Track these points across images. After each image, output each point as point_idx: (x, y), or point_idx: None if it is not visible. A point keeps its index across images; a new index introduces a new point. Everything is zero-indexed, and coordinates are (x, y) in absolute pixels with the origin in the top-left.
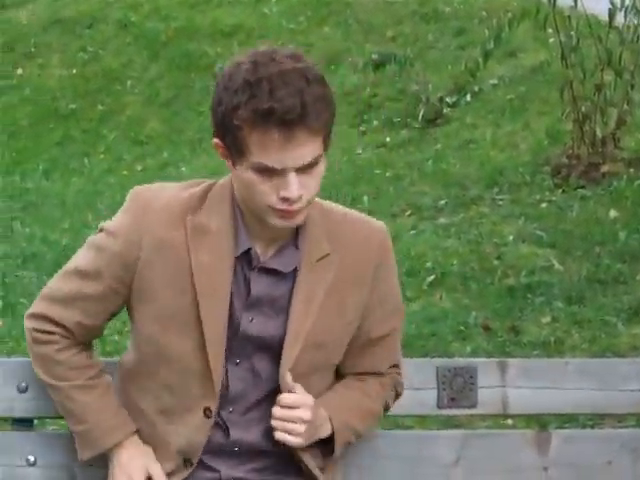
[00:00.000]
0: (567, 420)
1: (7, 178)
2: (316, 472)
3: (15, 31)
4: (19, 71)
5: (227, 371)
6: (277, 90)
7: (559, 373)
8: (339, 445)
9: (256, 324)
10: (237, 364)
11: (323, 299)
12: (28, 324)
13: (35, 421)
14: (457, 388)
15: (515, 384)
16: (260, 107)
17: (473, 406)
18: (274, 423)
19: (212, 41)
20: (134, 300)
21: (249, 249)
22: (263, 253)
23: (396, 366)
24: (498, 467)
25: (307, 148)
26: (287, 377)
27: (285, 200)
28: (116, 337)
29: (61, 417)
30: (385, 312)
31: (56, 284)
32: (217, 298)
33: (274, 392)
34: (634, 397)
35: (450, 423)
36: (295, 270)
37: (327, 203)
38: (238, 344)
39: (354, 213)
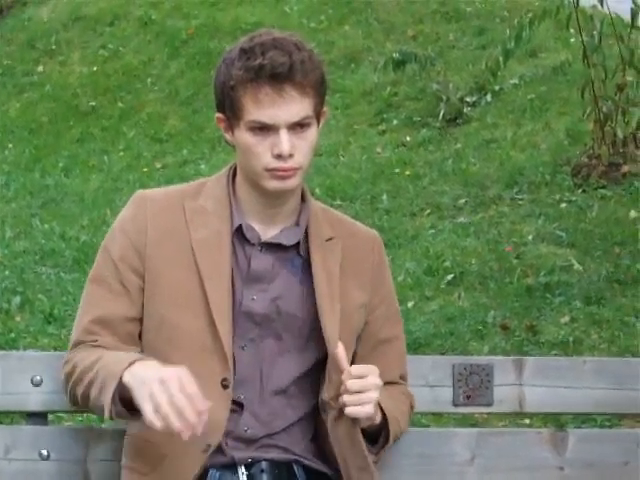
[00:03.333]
0: (585, 420)
1: (27, 175)
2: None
3: (36, 28)
4: (40, 68)
5: (234, 355)
6: (269, 52)
7: (576, 372)
8: (392, 432)
9: (258, 302)
10: (243, 348)
11: (339, 275)
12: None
13: (50, 416)
14: (473, 386)
15: (531, 383)
16: (252, 64)
17: (489, 404)
18: (347, 399)
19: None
20: (147, 288)
21: (242, 225)
22: (264, 233)
23: (404, 379)
24: (513, 465)
25: (296, 105)
26: (340, 347)
27: (278, 157)
28: None
29: (75, 412)
30: (389, 313)
31: (77, 320)
32: (219, 274)
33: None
34: None
35: (467, 422)
36: (298, 248)
37: (326, 206)
38: (243, 324)
39: (350, 218)
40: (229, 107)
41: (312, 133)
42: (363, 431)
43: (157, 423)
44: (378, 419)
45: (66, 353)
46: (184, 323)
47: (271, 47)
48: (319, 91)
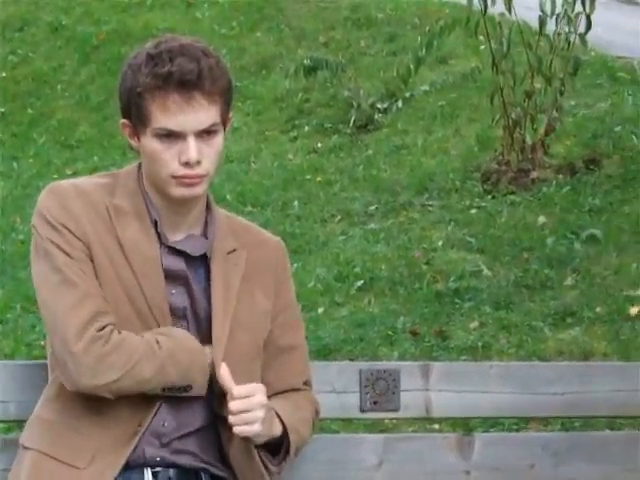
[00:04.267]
0: (493, 424)
1: None
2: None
3: None
4: None
5: None
6: (176, 58)
7: (482, 377)
8: (293, 444)
9: (177, 296)
10: None
11: (239, 287)
12: (79, 355)
13: None
14: (380, 391)
15: (438, 388)
16: (160, 71)
17: (396, 409)
18: (232, 419)
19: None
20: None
21: (157, 222)
22: (172, 236)
23: (308, 385)
24: (420, 470)
25: (204, 113)
26: (224, 368)
27: (186, 165)
28: (42, 342)
29: None
30: (291, 320)
31: (61, 303)
32: (153, 273)
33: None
34: (556, 400)
35: (377, 428)
36: (205, 258)
37: (230, 213)
38: (171, 317)
39: (255, 225)
40: (135, 114)
41: (219, 140)
42: (265, 444)
43: None
44: (278, 432)
45: (84, 327)
46: (127, 320)
47: (179, 53)
48: (226, 98)
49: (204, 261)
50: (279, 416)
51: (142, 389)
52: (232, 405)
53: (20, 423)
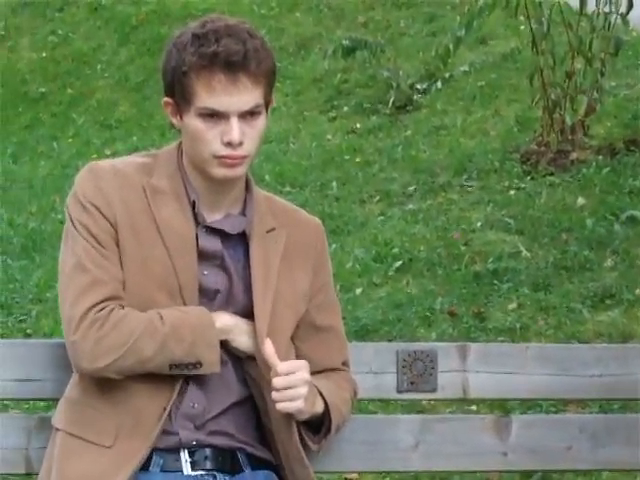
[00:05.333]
0: (531, 406)
1: None
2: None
3: None
4: None
5: None
6: (222, 39)
7: (519, 358)
8: (334, 422)
9: (210, 277)
10: None
11: (279, 265)
12: (77, 343)
13: None
14: (417, 372)
15: (475, 369)
16: (206, 51)
17: (433, 390)
18: (275, 396)
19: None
20: (122, 260)
21: (195, 202)
22: (208, 216)
23: (347, 365)
24: (457, 451)
25: (249, 94)
26: (268, 344)
27: (228, 145)
28: None
29: (17, 399)
30: (328, 300)
31: (71, 288)
32: (187, 253)
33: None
34: (594, 383)
35: (414, 409)
36: (244, 237)
37: (269, 194)
38: (199, 299)
39: (294, 206)
40: (179, 92)
41: (261, 121)
42: (306, 421)
43: None
44: (320, 409)
45: (85, 313)
46: (155, 295)
47: (224, 34)
48: (270, 80)
49: (243, 240)
50: (321, 394)
51: (146, 367)
52: (276, 381)
53: (58, 402)
